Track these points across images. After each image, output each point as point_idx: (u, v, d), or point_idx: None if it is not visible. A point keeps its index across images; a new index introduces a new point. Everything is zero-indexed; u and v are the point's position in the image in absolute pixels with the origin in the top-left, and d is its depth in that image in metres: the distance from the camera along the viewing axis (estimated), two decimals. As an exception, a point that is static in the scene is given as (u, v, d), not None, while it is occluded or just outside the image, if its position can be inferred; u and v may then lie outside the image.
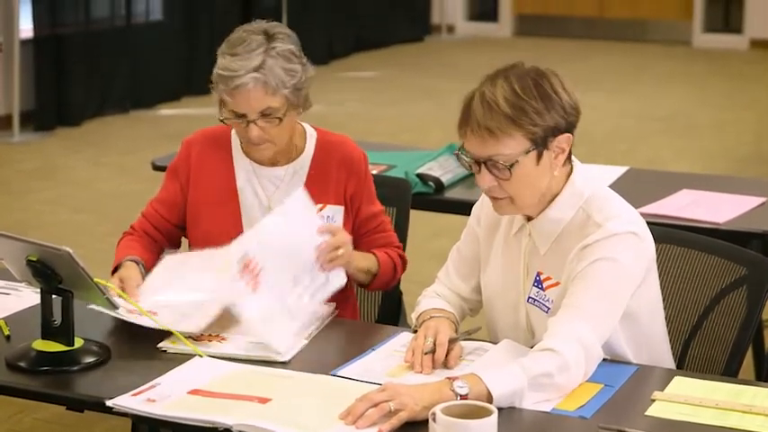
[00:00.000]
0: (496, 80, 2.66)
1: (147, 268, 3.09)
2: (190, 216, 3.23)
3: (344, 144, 3.26)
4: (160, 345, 2.78)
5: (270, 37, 3.06)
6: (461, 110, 2.68)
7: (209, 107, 3.12)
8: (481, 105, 2.64)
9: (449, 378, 2.47)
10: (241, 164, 3.23)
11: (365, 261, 3.20)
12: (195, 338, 2.81)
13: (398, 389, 2.42)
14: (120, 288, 2.96)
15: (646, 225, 2.74)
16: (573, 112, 2.68)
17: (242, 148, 3.22)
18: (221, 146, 3.24)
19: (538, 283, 2.76)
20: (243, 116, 3.06)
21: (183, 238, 3.32)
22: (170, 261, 3.08)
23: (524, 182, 2.67)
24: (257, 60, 3.02)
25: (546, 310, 2.73)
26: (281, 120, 3.07)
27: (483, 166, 2.67)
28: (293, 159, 3.22)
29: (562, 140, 2.67)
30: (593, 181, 2.78)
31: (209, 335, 2.84)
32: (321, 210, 3.19)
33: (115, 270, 3.08)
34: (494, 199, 2.73)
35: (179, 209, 3.25)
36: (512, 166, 2.64)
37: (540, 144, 2.64)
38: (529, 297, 2.78)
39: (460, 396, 2.44)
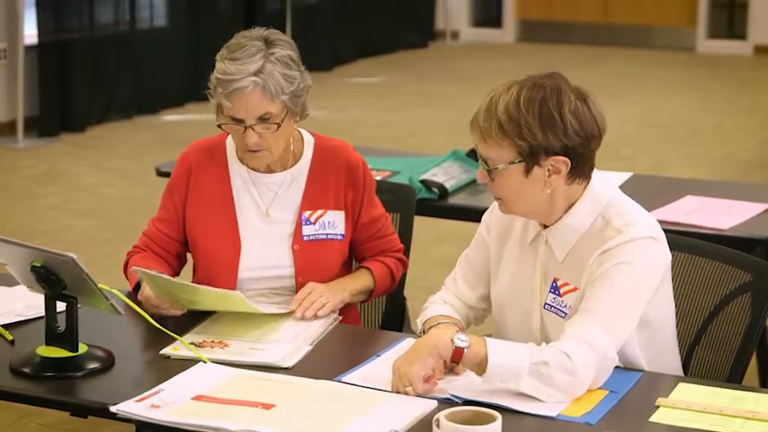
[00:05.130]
0: (513, 86, 2.69)
1: None
2: (189, 228, 3.22)
3: (343, 149, 3.25)
4: (163, 351, 2.78)
5: (269, 43, 3.06)
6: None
7: (212, 113, 3.12)
8: (487, 106, 2.68)
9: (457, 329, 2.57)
10: (237, 171, 3.21)
11: (358, 283, 3.21)
12: (197, 344, 2.81)
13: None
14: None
15: (662, 231, 2.74)
16: (575, 137, 2.66)
17: (237, 156, 3.20)
18: (216, 155, 3.22)
19: (554, 289, 2.76)
20: (241, 121, 3.05)
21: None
22: None
23: (510, 189, 2.70)
24: (257, 65, 3.01)
25: (563, 315, 2.73)
26: (279, 126, 3.06)
27: (480, 160, 2.72)
28: (291, 166, 3.21)
29: (558, 162, 2.67)
30: (610, 187, 2.78)
31: (212, 341, 2.84)
32: (321, 216, 3.19)
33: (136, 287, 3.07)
34: (494, 198, 2.77)
35: (181, 225, 3.23)
36: (493, 170, 2.68)
37: (528, 159, 2.66)
38: (545, 303, 2.78)
39: (456, 348, 2.51)
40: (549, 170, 2.67)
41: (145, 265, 3.11)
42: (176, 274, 3.26)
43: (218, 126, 3.11)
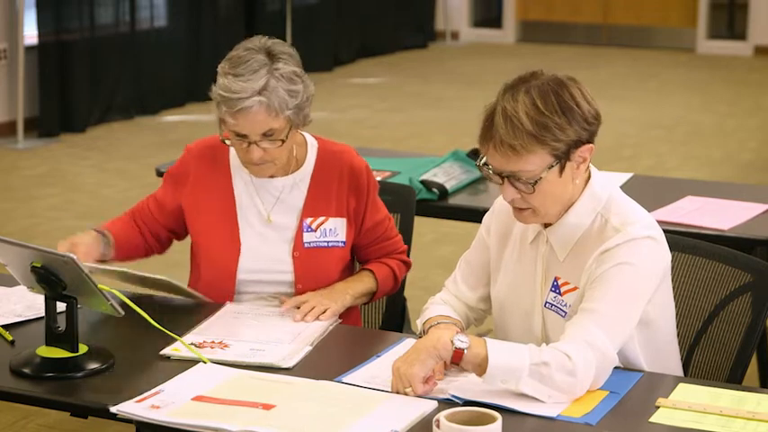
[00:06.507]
0: (517, 93, 2.63)
1: (116, 246, 3.20)
2: (189, 224, 3.22)
3: (346, 154, 3.23)
4: (163, 351, 2.78)
5: (272, 57, 3.01)
6: (482, 123, 2.66)
7: (212, 114, 3.10)
8: (504, 122, 2.61)
9: (457, 330, 2.57)
10: (239, 175, 3.20)
11: (361, 286, 3.20)
12: (198, 345, 2.81)
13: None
14: (70, 250, 2.95)
15: (661, 230, 2.74)
16: (594, 121, 2.67)
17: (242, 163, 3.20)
18: (219, 157, 3.22)
19: (555, 288, 2.76)
20: (244, 137, 3.02)
21: (176, 242, 3.35)
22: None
23: (547, 194, 2.67)
24: (261, 82, 2.96)
25: (563, 314, 2.73)
26: (283, 141, 3.04)
27: (506, 179, 2.66)
28: (293, 171, 3.19)
29: (584, 150, 2.67)
30: (610, 186, 2.78)
31: (212, 341, 2.84)
32: (323, 223, 3.18)
33: None
34: (517, 209, 2.73)
35: (170, 213, 3.24)
36: (536, 182, 2.64)
37: (563, 157, 2.65)
38: (546, 302, 2.78)
39: (456, 349, 2.51)
40: (577, 162, 2.68)
41: (105, 224, 3.23)
42: (150, 250, 3.30)
43: (222, 140, 3.08)
